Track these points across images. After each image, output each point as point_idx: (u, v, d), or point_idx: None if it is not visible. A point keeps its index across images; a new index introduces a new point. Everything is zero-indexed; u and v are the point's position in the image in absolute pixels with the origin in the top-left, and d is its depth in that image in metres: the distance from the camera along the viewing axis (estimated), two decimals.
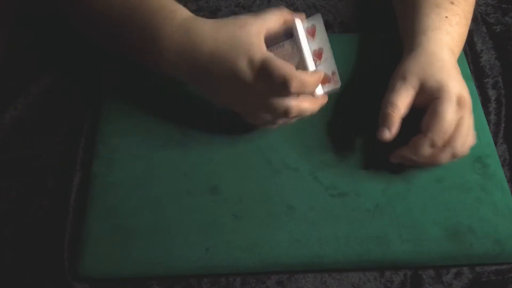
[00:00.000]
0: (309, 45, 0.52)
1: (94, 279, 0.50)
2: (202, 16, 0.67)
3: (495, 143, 0.58)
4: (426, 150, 0.50)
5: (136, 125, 0.57)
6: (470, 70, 0.63)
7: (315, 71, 0.50)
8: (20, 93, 0.60)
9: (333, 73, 0.53)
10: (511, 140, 0.59)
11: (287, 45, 0.51)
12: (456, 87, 0.50)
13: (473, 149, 0.56)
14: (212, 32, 0.50)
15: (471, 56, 0.65)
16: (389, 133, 0.51)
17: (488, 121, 0.59)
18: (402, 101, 0.51)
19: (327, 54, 0.53)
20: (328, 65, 0.53)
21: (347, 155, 0.55)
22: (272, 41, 0.51)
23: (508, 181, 0.55)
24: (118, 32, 0.54)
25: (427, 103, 0.51)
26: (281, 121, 0.52)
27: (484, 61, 0.65)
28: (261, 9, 0.68)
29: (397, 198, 0.53)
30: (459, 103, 0.50)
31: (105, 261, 0.49)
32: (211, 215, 0.51)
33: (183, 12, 0.52)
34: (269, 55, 0.48)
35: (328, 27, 0.67)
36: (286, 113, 0.49)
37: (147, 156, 0.55)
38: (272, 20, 0.50)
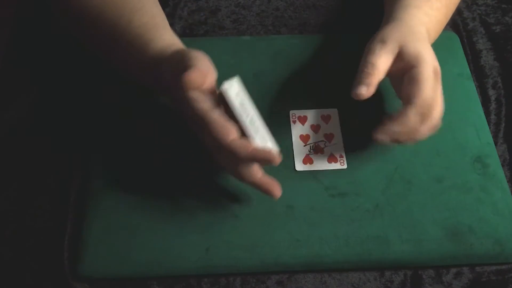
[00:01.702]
0: (322, 128, 0.54)
1: (94, 279, 0.50)
2: (202, 16, 0.68)
3: (495, 143, 0.58)
4: (413, 119, 0.49)
5: (135, 125, 0.57)
6: (470, 70, 0.63)
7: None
8: (20, 93, 0.60)
9: (340, 156, 0.55)
10: (511, 140, 0.59)
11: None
12: (432, 57, 0.51)
13: (473, 149, 0.56)
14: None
15: (471, 56, 0.65)
16: (366, 90, 0.49)
17: (488, 121, 0.59)
18: (382, 62, 0.50)
19: (338, 138, 0.56)
20: (338, 148, 0.55)
21: (347, 155, 0.55)
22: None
23: (508, 181, 0.55)
24: (106, 49, 0.56)
25: (403, 72, 0.51)
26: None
27: (484, 61, 0.65)
28: (261, 9, 0.69)
29: (397, 198, 0.53)
30: (435, 73, 0.50)
31: (105, 261, 0.49)
32: (211, 215, 0.51)
33: (156, 46, 0.52)
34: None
35: (328, 27, 0.67)
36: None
37: (146, 156, 0.55)
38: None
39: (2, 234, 0.52)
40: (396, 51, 0.51)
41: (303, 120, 0.56)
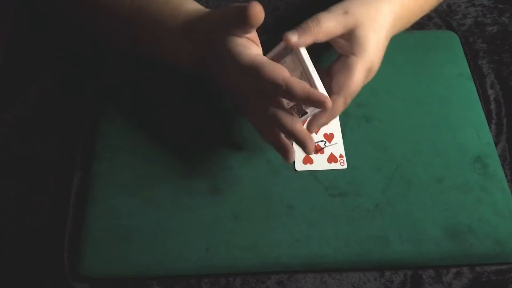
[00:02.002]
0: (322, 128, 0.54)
1: (94, 279, 0.50)
2: None
3: (496, 143, 0.58)
4: (340, 108, 0.50)
5: (136, 125, 0.57)
6: (470, 70, 0.63)
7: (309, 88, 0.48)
8: (20, 93, 0.60)
9: (340, 156, 0.55)
10: (511, 140, 0.59)
11: (288, 60, 0.51)
12: (374, 54, 0.51)
13: (473, 149, 0.56)
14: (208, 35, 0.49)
15: (470, 56, 0.65)
16: (296, 38, 0.48)
17: (488, 121, 0.59)
18: (328, 27, 0.49)
19: (338, 138, 0.56)
20: (338, 148, 0.55)
21: (347, 155, 0.55)
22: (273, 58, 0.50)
23: (508, 181, 0.55)
24: (126, 26, 0.54)
25: (343, 52, 0.51)
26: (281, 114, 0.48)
27: (482, 62, 0.65)
28: None
29: (397, 198, 0.53)
30: (369, 70, 0.51)
31: (105, 261, 0.49)
32: (211, 215, 0.51)
33: (189, 6, 0.52)
34: (257, 58, 0.47)
35: None
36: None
37: (147, 156, 0.55)
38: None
39: (2, 234, 0.52)
40: (349, 28, 0.50)
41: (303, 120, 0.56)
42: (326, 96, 0.46)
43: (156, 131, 0.57)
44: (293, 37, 0.48)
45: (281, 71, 0.46)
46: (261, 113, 0.49)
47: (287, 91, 0.45)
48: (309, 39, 0.49)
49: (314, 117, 0.50)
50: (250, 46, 0.49)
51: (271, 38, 0.65)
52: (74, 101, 0.60)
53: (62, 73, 0.62)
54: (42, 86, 0.61)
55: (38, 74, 0.62)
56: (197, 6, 0.52)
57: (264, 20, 0.68)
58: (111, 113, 0.58)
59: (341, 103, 0.50)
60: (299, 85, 0.45)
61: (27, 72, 0.62)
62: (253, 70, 0.46)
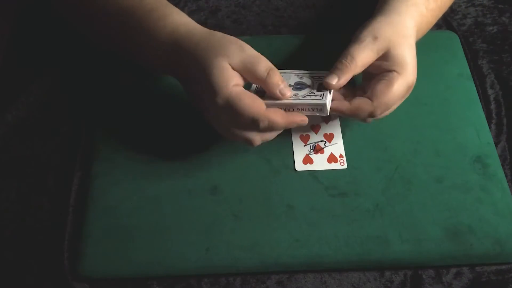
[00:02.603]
0: (322, 128, 0.56)
1: (94, 279, 0.50)
2: (202, 16, 0.68)
3: (496, 143, 0.58)
4: (365, 115, 0.50)
5: (135, 125, 0.57)
6: (470, 70, 0.63)
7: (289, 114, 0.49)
8: (20, 93, 0.60)
9: (340, 156, 0.55)
10: (511, 140, 0.59)
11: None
12: (413, 70, 0.51)
13: (473, 149, 0.56)
14: (195, 53, 0.49)
15: (470, 56, 0.65)
16: (337, 81, 0.49)
17: (488, 121, 0.59)
18: (363, 58, 0.50)
19: (338, 138, 0.56)
20: (337, 148, 0.55)
21: (347, 155, 0.55)
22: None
23: (508, 181, 0.55)
24: (114, 32, 0.54)
25: (380, 70, 0.51)
26: (253, 136, 0.50)
27: (482, 62, 0.65)
28: (261, 9, 0.69)
29: (397, 198, 0.53)
30: (408, 88, 0.51)
31: (105, 261, 0.49)
32: (211, 215, 0.51)
33: (175, 18, 0.51)
34: (236, 94, 0.47)
35: (328, 27, 0.67)
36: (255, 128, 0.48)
37: (146, 156, 0.55)
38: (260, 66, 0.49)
39: (2, 234, 0.52)
40: (383, 51, 0.50)
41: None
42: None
43: (156, 131, 0.57)
44: (333, 80, 0.49)
45: (260, 106, 0.47)
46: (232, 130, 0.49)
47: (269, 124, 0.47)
48: (348, 76, 0.50)
49: (336, 104, 0.50)
50: (235, 79, 0.48)
51: (271, 38, 0.65)
52: (74, 101, 0.60)
53: (62, 73, 0.62)
54: (42, 86, 0.61)
55: (38, 74, 0.62)
56: (184, 19, 0.52)
57: (264, 20, 0.68)
58: (111, 113, 0.58)
59: (367, 108, 0.49)
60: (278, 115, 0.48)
61: (27, 72, 0.62)
62: (229, 105, 0.47)
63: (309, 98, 0.50)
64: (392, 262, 0.50)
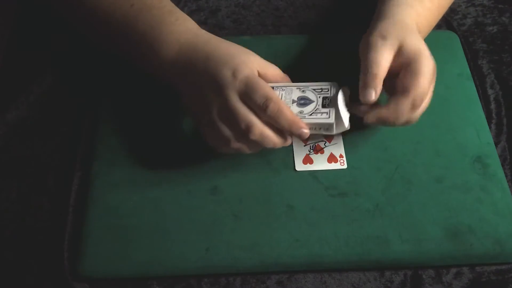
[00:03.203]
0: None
1: (94, 279, 0.50)
2: (202, 16, 0.68)
3: (496, 143, 0.58)
4: (407, 110, 0.49)
5: (135, 125, 0.57)
6: (470, 70, 0.63)
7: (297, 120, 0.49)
8: (20, 93, 0.60)
9: (340, 156, 0.55)
10: (511, 140, 0.59)
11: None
12: (430, 54, 0.50)
13: (473, 149, 0.56)
14: (210, 45, 0.51)
15: (470, 56, 0.65)
16: (375, 94, 0.49)
17: (488, 121, 0.59)
18: (385, 59, 0.50)
19: (338, 138, 0.56)
20: (338, 148, 0.55)
21: (347, 155, 0.55)
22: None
23: (508, 181, 0.55)
24: (119, 35, 0.54)
25: (400, 67, 0.50)
26: (237, 144, 0.50)
27: (482, 62, 0.65)
28: (261, 9, 0.69)
29: (397, 198, 0.53)
30: (434, 71, 0.51)
31: (105, 261, 0.49)
32: (211, 215, 0.51)
33: (187, 25, 0.53)
34: (256, 75, 0.48)
35: (328, 27, 0.67)
36: (247, 129, 0.48)
37: (146, 156, 0.55)
38: (273, 69, 0.51)
39: (2, 234, 0.52)
40: (396, 47, 0.50)
41: None
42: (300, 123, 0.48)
43: (157, 131, 0.57)
44: (372, 96, 0.49)
45: (273, 91, 0.48)
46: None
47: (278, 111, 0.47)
48: (381, 83, 0.49)
49: (375, 107, 0.50)
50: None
51: (271, 38, 0.65)
52: (74, 101, 0.60)
53: (62, 73, 0.62)
54: (42, 86, 0.61)
55: (38, 74, 0.62)
56: (192, 26, 0.54)
57: (264, 20, 0.68)
58: (111, 113, 0.58)
59: (406, 103, 0.49)
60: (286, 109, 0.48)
61: (27, 72, 0.62)
62: (249, 80, 0.48)
63: (315, 116, 0.50)
64: (392, 262, 0.50)
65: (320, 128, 0.50)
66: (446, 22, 0.68)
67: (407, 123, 0.51)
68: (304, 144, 0.56)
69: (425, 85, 0.49)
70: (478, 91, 0.61)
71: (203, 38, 0.52)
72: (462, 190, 0.53)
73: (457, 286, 0.50)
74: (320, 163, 0.55)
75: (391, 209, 0.52)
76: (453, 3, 0.67)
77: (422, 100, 0.50)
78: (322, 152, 0.55)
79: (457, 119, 0.58)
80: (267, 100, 0.47)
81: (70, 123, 0.59)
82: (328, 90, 0.51)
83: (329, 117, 0.50)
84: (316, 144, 0.56)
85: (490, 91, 0.62)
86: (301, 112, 0.50)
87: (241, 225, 0.51)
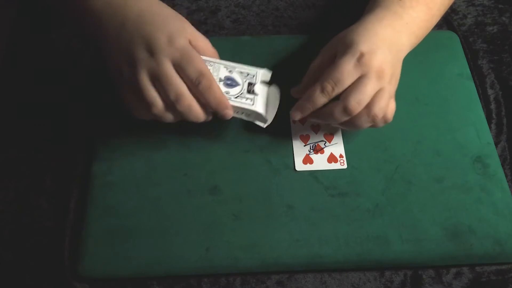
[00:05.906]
0: (322, 128, 0.56)
1: (94, 279, 0.50)
2: (202, 16, 0.68)
3: (496, 143, 0.58)
4: (318, 97, 0.49)
5: (135, 125, 0.57)
6: (470, 70, 0.63)
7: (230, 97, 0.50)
8: (20, 93, 0.60)
9: (340, 156, 0.55)
10: (511, 140, 0.59)
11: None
12: (365, 46, 0.49)
13: (473, 149, 0.56)
14: (142, 1, 0.50)
15: (470, 56, 0.65)
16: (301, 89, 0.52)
17: (488, 121, 0.59)
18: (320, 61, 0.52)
19: (338, 138, 0.56)
20: (337, 148, 0.55)
21: (347, 155, 0.55)
22: None
23: (508, 181, 0.55)
24: None
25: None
26: (159, 110, 0.49)
27: (482, 62, 0.65)
28: (261, 9, 0.69)
29: (397, 198, 0.53)
30: (362, 54, 0.48)
31: (105, 261, 0.49)
32: (211, 215, 0.51)
33: None
34: (190, 46, 0.48)
35: (328, 27, 0.67)
36: (176, 99, 0.47)
37: (146, 156, 0.55)
38: (203, 42, 0.51)
39: (2, 234, 0.52)
40: (334, 46, 0.51)
41: (303, 120, 0.56)
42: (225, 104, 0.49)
43: (156, 131, 0.56)
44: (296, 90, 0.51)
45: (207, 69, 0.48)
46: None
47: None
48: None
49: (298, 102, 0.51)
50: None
51: (271, 38, 0.65)
52: (74, 101, 0.60)
53: (62, 74, 0.62)
54: (43, 86, 0.61)
55: (39, 74, 0.62)
56: None
57: (264, 20, 0.68)
58: (111, 114, 0.58)
59: (316, 87, 0.49)
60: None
61: (27, 72, 0.62)
62: (186, 51, 0.47)
63: (240, 100, 0.50)
64: (392, 262, 0.50)
65: (242, 113, 0.51)
66: (446, 22, 0.68)
67: (333, 118, 0.50)
68: (304, 144, 0.56)
69: (335, 73, 0.48)
70: (478, 91, 0.61)
71: None
72: (462, 190, 0.53)
73: (457, 286, 0.50)
74: (320, 163, 0.55)
75: (391, 209, 0.52)
76: (453, 3, 0.68)
77: (332, 86, 0.49)
78: (322, 152, 0.55)
79: (457, 119, 0.58)
80: (200, 75, 0.47)
81: (70, 123, 0.59)
82: (254, 76, 0.52)
83: (253, 104, 0.50)
84: (316, 144, 0.56)
85: (490, 91, 0.63)
86: (227, 93, 0.50)
87: (241, 225, 0.51)
